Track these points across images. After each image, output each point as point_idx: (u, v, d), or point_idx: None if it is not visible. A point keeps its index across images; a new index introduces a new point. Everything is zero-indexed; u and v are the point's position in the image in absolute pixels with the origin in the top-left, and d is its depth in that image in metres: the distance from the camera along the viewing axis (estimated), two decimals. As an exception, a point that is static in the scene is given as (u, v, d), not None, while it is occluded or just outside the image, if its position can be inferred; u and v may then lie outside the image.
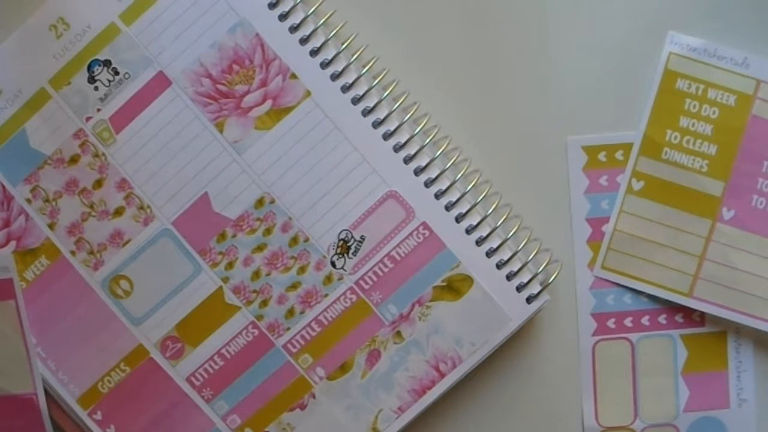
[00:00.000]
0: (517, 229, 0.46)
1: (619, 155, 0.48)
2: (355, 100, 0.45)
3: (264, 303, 0.46)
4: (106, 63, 0.46)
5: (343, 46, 0.46)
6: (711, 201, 0.47)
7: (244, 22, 0.46)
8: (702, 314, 0.48)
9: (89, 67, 0.46)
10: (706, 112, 0.47)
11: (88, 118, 0.46)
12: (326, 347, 0.46)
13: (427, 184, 0.46)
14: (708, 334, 0.48)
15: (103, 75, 0.46)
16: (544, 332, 0.48)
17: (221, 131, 0.46)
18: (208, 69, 0.46)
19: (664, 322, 0.48)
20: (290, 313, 0.46)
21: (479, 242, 0.46)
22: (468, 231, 0.46)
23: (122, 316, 0.47)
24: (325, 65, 0.45)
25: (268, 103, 0.46)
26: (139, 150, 0.46)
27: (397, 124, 0.46)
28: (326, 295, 0.46)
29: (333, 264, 0.46)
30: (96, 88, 0.46)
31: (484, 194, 0.46)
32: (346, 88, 0.45)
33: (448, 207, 0.46)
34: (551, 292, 0.47)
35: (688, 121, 0.47)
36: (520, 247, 0.46)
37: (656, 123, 0.47)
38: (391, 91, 0.46)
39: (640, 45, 0.47)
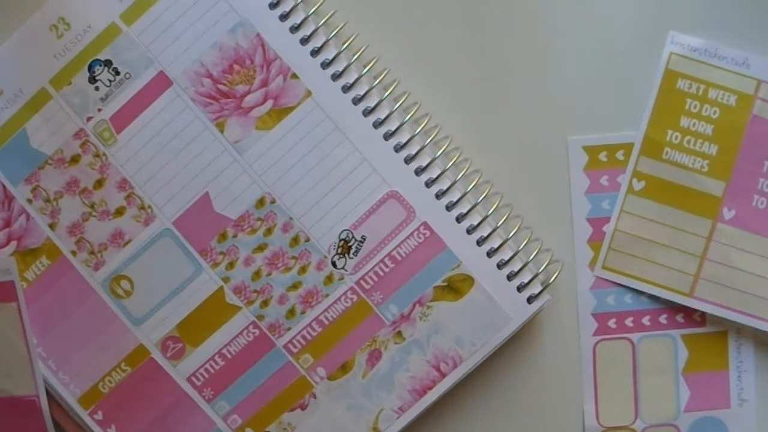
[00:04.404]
0: (517, 229, 0.46)
1: (619, 155, 0.48)
2: (356, 101, 0.45)
3: (265, 303, 0.46)
4: (107, 63, 0.46)
5: (344, 46, 0.46)
6: (712, 201, 0.47)
7: (244, 22, 0.46)
8: (703, 314, 0.48)
9: (90, 67, 0.46)
10: (707, 112, 0.47)
11: (89, 118, 0.46)
12: (327, 347, 0.46)
13: (428, 184, 0.46)
14: (709, 334, 0.48)
15: (103, 75, 0.46)
16: (545, 332, 0.48)
17: (222, 131, 0.46)
18: (209, 69, 0.46)
19: (664, 322, 0.48)
20: (291, 313, 0.46)
21: (480, 242, 0.46)
22: (469, 231, 0.46)
23: (123, 316, 0.47)
24: (326, 65, 0.45)
25: (269, 103, 0.46)
26: (140, 150, 0.46)
27: (398, 124, 0.46)
28: (327, 295, 0.46)
29: (334, 264, 0.46)
30: (97, 88, 0.46)
31: (485, 194, 0.46)
32: (347, 89, 0.45)
33: (449, 207, 0.46)
34: (552, 292, 0.47)
35: (689, 121, 0.47)
36: (520, 247, 0.46)
37: (657, 123, 0.47)
38: (392, 91, 0.46)
39: (641, 45, 0.47)
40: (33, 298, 0.46)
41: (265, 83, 0.46)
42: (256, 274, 0.46)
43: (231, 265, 0.46)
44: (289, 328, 0.46)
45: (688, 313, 0.48)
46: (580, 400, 0.48)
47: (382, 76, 0.46)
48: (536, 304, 0.46)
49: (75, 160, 0.46)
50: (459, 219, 0.46)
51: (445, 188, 0.46)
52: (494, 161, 0.47)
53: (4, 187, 0.46)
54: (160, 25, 0.46)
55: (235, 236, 0.46)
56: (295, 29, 0.45)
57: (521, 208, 0.47)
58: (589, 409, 0.48)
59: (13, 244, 0.47)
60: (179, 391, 0.47)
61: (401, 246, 0.46)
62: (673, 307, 0.48)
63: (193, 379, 0.47)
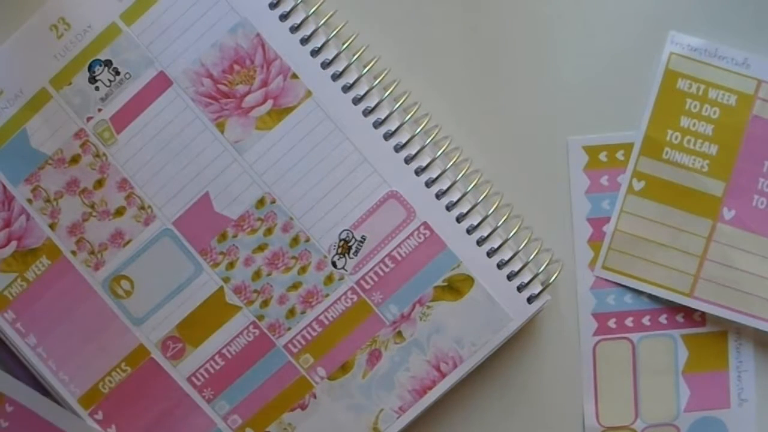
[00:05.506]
0: (517, 229, 0.46)
1: (620, 155, 0.48)
2: (356, 100, 0.45)
3: (265, 303, 0.46)
4: (107, 63, 0.46)
5: (344, 46, 0.46)
6: (712, 201, 0.47)
7: (245, 22, 0.45)
8: (703, 314, 0.48)
9: (90, 67, 0.46)
10: (707, 112, 0.47)
11: (89, 118, 0.46)
12: (327, 347, 0.46)
13: (428, 184, 0.46)
14: (709, 334, 0.48)
15: (104, 75, 0.46)
16: (545, 332, 0.48)
17: (222, 131, 0.46)
18: (209, 69, 0.46)
19: (664, 322, 0.48)
20: (291, 313, 0.46)
21: (480, 242, 0.46)
22: (469, 231, 0.46)
23: (123, 316, 0.47)
24: (326, 65, 0.45)
25: (269, 103, 0.46)
26: (140, 150, 0.46)
27: (398, 124, 0.46)
28: (327, 295, 0.46)
29: (334, 264, 0.46)
30: (97, 88, 0.46)
31: (485, 194, 0.46)
32: (347, 89, 0.45)
33: (449, 207, 0.46)
34: (552, 292, 0.47)
35: (689, 121, 0.47)
36: (521, 247, 0.46)
37: (657, 123, 0.47)
38: (392, 91, 0.46)
39: (641, 45, 0.47)
40: (33, 298, 0.46)
41: (265, 83, 0.46)
42: (256, 274, 0.46)
43: (231, 265, 0.46)
44: (289, 328, 0.46)
45: (688, 313, 0.48)
46: (580, 400, 0.48)
47: (382, 76, 0.46)
48: (536, 304, 0.46)
49: (75, 160, 0.46)
50: (459, 219, 0.46)
51: (445, 188, 0.46)
52: (494, 161, 0.47)
53: (4, 187, 0.46)
54: (160, 25, 0.46)
55: (235, 236, 0.46)
56: (295, 29, 0.45)
57: (521, 208, 0.47)
58: (589, 409, 0.48)
59: (13, 244, 0.47)
60: (179, 391, 0.47)
61: (401, 246, 0.46)
62: (673, 307, 0.48)
63: (194, 379, 0.47)
